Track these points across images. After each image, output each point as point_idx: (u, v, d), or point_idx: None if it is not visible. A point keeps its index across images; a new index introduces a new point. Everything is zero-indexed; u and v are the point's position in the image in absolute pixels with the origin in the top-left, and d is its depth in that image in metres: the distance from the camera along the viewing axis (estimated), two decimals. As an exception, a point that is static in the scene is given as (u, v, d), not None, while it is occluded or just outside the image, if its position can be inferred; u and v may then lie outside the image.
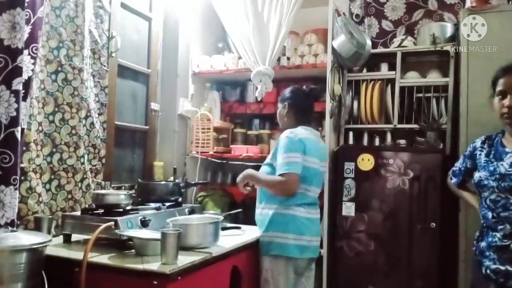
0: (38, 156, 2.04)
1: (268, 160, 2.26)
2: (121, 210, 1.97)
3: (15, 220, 1.74)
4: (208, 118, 3.07)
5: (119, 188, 2.70)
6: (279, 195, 2.13)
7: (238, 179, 2.30)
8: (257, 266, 2.20)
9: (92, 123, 2.35)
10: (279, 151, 2.12)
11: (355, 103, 2.95)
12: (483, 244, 1.77)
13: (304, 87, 2.34)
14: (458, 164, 2.05)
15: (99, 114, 2.43)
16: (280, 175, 2.07)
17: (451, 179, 2.09)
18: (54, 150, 2.15)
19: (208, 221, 2.05)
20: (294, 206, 2.14)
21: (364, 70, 2.99)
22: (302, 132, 2.18)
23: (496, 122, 2.35)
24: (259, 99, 2.96)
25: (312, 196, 2.22)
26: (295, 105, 2.29)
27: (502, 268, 1.67)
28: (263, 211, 2.21)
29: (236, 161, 3.22)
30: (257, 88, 2.85)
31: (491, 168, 1.75)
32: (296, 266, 2.15)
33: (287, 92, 2.36)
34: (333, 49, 2.73)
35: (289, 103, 2.29)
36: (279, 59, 2.96)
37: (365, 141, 2.95)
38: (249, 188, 2.31)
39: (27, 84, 1.80)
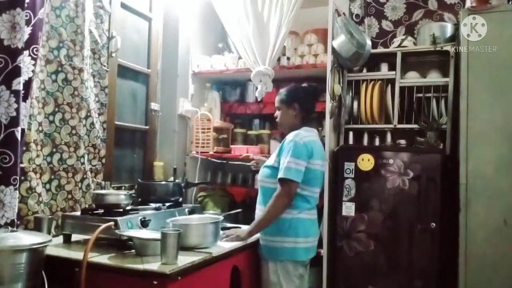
0: (38, 156, 2.04)
1: (270, 162, 2.20)
2: (121, 210, 1.98)
3: (15, 220, 1.74)
4: (208, 118, 3.07)
5: (119, 188, 2.70)
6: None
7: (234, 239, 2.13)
8: (257, 266, 2.20)
9: (92, 123, 2.35)
10: (284, 154, 2.07)
11: (355, 103, 2.94)
12: None
13: (306, 85, 2.29)
14: None
15: (99, 114, 2.43)
16: (280, 180, 2.04)
17: None
18: (54, 150, 2.15)
19: (208, 221, 2.05)
20: (298, 210, 2.12)
21: (364, 70, 2.99)
22: (307, 135, 2.14)
23: (496, 122, 2.37)
24: (259, 99, 2.96)
25: (315, 198, 2.21)
26: (305, 105, 2.24)
27: None
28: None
29: (236, 161, 3.22)
30: (257, 88, 2.85)
31: None
32: (302, 267, 2.16)
33: (292, 92, 2.27)
34: (333, 49, 2.73)
35: (300, 104, 2.23)
36: (279, 59, 2.96)
37: (365, 141, 2.95)
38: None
39: (27, 84, 1.80)
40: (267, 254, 2.15)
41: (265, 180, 2.21)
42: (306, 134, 2.15)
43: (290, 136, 2.13)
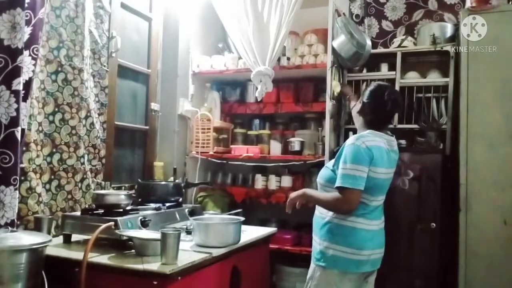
0: (38, 156, 2.04)
1: (329, 165, 2.00)
2: (121, 210, 1.98)
3: (15, 220, 1.75)
4: (208, 118, 3.07)
5: (119, 188, 2.70)
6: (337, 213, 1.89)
7: (293, 196, 2.03)
8: (257, 267, 2.19)
9: (92, 123, 2.35)
10: (343, 158, 1.86)
11: (355, 103, 2.94)
12: None
13: (387, 90, 1.99)
14: None
15: (99, 114, 2.43)
16: (339, 188, 1.82)
17: None
18: (54, 150, 2.15)
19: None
20: (353, 216, 1.88)
21: (364, 70, 2.99)
22: (371, 138, 1.90)
23: (496, 122, 2.37)
24: (259, 99, 2.97)
25: (375, 205, 1.94)
26: (373, 106, 1.98)
27: None
28: (316, 213, 2.01)
29: (236, 161, 3.22)
30: (257, 88, 2.85)
31: None
32: (352, 279, 1.92)
33: (368, 88, 2.05)
34: (333, 49, 2.73)
35: (365, 103, 2.00)
36: (279, 59, 2.96)
37: (365, 141, 2.95)
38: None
39: (27, 85, 1.80)
40: (312, 255, 1.98)
41: (323, 183, 2.00)
42: (371, 138, 1.91)
43: (351, 139, 1.92)
